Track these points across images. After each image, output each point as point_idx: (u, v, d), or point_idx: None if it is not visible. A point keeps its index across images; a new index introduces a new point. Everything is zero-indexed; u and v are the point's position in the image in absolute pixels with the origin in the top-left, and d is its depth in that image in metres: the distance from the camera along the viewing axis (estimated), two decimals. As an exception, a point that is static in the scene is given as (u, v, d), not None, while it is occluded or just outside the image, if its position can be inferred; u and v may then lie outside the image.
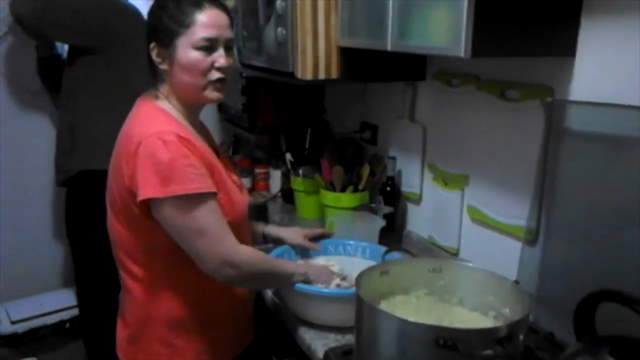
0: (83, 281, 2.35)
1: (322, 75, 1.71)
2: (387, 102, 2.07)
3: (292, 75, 1.74)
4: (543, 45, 1.28)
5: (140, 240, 1.34)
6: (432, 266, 1.26)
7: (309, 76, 1.70)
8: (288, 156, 2.32)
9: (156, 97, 1.38)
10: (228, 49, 1.38)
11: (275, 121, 2.50)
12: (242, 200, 1.47)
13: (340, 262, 1.66)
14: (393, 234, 1.94)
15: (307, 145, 2.36)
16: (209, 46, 1.32)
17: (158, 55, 1.34)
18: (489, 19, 1.18)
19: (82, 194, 2.23)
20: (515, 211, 1.51)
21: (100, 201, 1.48)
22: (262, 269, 1.37)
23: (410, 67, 1.82)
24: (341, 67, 1.72)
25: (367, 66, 1.75)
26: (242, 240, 1.35)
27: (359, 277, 1.16)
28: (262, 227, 1.73)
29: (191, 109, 1.41)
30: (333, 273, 1.53)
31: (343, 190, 2.06)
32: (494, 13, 1.19)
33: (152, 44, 1.35)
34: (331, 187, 2.07)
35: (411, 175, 1.95)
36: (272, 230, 1.73)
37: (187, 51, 1.31)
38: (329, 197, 2.07)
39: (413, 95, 1.91)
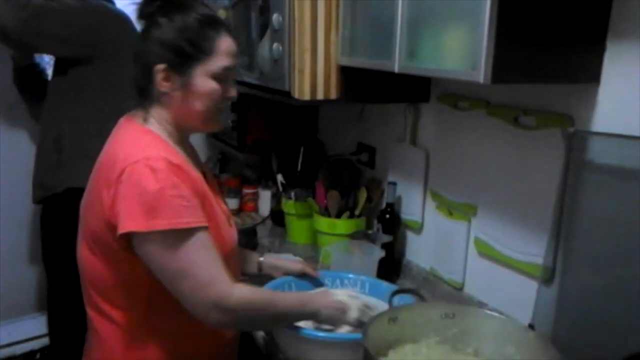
0: (56, 308, 2.18)
1: (320, 96, 1.60)
2: (387, 123, 1.95)
3: (287, 94, 1.62)
4: (566, 70, 1.17)
5: (117, 277, 1.20)
6: (445, 312, 1.14)
7: (306, 96, 1.58)
8: (279, 177, 2.20)
9: (145, 120, 1.24)
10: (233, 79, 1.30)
11: (266, 139, 2.37)
12: (232, 234, 1.34)
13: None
14: (391, 263, 1.82)
15: (299, 166, 2.24)
16: (225, 76, 1.23)
17: (166, 79, 1.19)
18: (511, 41, 1.08)
19: (64, 212, 2.06)
20: (529, 247, 1.41)
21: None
22: (263, 311, 1.22)
23: (413, 88, 1.71)
24: (340, 87, 1.61)
25: (367, 86, 1.64)
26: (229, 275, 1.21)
27: (366, 326, 1.04)
28: (256, 257, 1.59)
29: (182, 133, 1.28)
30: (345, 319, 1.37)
31: (338, 216, 1.94)
32: (516, 35, 1.08)
33: (162, 66, 1.18)
34: (326, 213, 1.95)
35: (412, 202, 1.83)
36: (270, 260, 1.59)
37: (204, 80, 1.20)
38: (324, 223, 1.94)
39: (415, 118, 1.80)
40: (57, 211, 2.10)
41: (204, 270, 1.13)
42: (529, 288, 1.42)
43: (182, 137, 1.28)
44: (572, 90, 1.28)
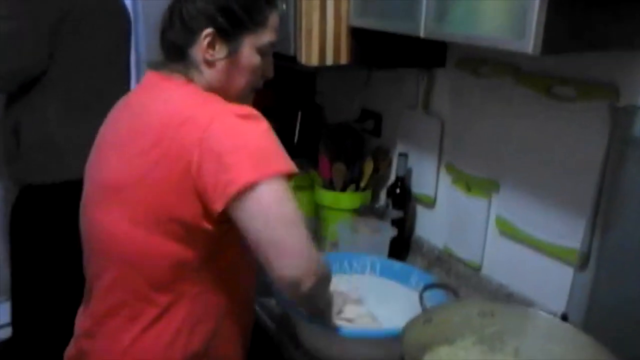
0: (21, 296, 1.90)
1: (329, 61, 1.44)
2: (395, 89, 1.80)
3: (292, 59, 1.46)
4: (625, 36, 1.03)
5: (191, 256, 1.06)
6: (483, 310, 1.03)
7: (314, 61, 1.43)
8: (277, 146, 2.04)
9: (190, 80, 1.11)
10: None
11: (260, 105, 2.20)
12: None
13: (349, 282, 1.42)
14: (401, 241, 1.71)
15: (297, 134, 2.08)
16: (268, 51, 1.16)
17: (211, 45, 1.09)
18: (565, 2, 0.93)
19: (29, 212, 1.81)
20: (561, 229, 1.29)
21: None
22: (328, 281, 1.14)
23: (428, 52, 1.56)
24: (351, 51, 1.45)
25: (378, 50, 1.49)
26: None
27: (403, 330, 0.92)
28: None
29: None
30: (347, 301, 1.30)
31: (343, 189, 1.81)
32: (572, -3, 0.94)
33: (209, 30, 1.08)
34: (330, 186, 1.82)
35: (424, 174, 1.70)
36: None
37: (251, 52, 1.12)
38: (328, 197, 1.81)
39: (429, 84, 1.66)
40: (24, 209, 1.84)
41: (301, 223, 1.03)
42: (558, 273, 1.32)
43: None
44: (618, 58, 1.15)
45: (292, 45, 1.44)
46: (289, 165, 1.04)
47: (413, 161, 1.72)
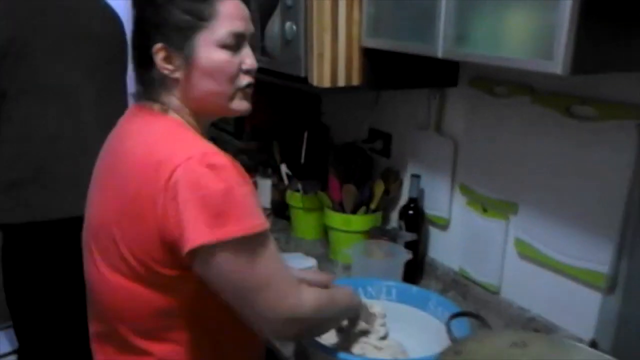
0: (23, 320, 1.79)
1: (341, 83, 1.41)
2: (405, 108, 1.77)
3: (302, 80, 1.42)
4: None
5: (165, 303, 1.01)
6: (514, 340, 0.98)
7: (326, 83, 1.39)
8: (284, 168, 2.01)
9: (164, 111, 1.05)
10: (252, 47, 1.09)
11: (266, 125, 2.18)
12: None
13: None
14: (415, 263, 1.66)
15: (303, 154, 2.05)
16: (236, 43, 1.04)
17: (166, 59, 1.01)
18: (598, 20, 0.90)
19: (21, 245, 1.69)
20: (586, 252, 1.25)
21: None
22: (327, 312, 1.09)
23: (440, 71, 1.53)
24: (363, 72, 1.42)
25: (390, 71, 1.46)
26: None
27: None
28: None
29: (201, 123, 1.09)
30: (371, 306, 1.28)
31: (354, 211, 1.77)
32: (605, 11, 0.90)
33: (158, 45, 1.01)
34: (339, 208, 1.78)
35: (437, 196, 1.66)
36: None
37: (210, 51, 1.01)
38: (338, 220, 1.77)
39: (441, 103, 1.62)
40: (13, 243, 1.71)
41: (281, 277, 0.98)
42: (583, 297, 1.28)
43: (199, 125, 1.08)
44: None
45: (303, 66, 1.40)
46: (255, 225, 0.93)
47: (425, 182, 1.68)
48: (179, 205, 0.91)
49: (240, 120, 2.13)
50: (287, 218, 2.07)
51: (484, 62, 1.09)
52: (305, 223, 1.98)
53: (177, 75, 1.02)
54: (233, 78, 1.04)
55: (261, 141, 2.20)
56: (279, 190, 2.12)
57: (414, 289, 1.42)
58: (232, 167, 0.94)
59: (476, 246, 1.55)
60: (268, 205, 2.20)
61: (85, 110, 1.67)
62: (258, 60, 1.57)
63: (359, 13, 1.36)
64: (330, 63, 1.38)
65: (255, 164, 2.34)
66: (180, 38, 1.00)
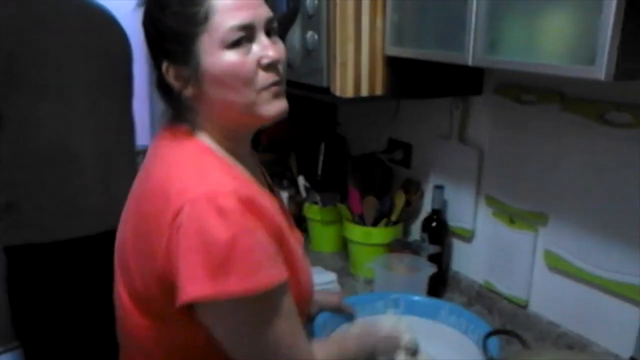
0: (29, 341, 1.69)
1: (364, 92, 1.38)
2: (426, 117, 1.74)
3: (325, 91, 1.39)
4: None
5: (168, 342, 0.94)
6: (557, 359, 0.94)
7: (349, 93, 1.36)
8: (301, 180, 1.98)
9: (193, 131, 0.94)
10: (271, 33, 0.93)
11: (282, 137, 2.14)
12: (309, 275, 1.05)
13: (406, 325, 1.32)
14: (437, 276, 1.62)
15: (320, 165, 2.01)
16: (246, 37, 0.88)
17: (177, 77, 0.91)
18: None
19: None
20: (621, 264, 1.21)
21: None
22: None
23: (463, 78, 1.50)
24: (387, 82, 1.39)
25: (413, 80, 1.42)
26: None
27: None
28: None
29: (239, 140, 0.98)
30: (399, 346, 1.20)
31: (375, 224, 1.73)
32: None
33: (165, 65, 0.91)
34: (360, 220, 1.74)
35: (461, 207, 1.62)
36: None
37: (216, 55, 0.88)
38: (358, 232, 1.73)
39: (464, 112, 1.59)
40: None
41: (291, 336, 0.89)
42: (619, 311, 1.24)
43: (238, 147, 0.97)
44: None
45: (325, 76, 1.37)
46: (261, 285, 0.82)
47: (449, 193, 1.64)
48: (179, 248, 0.82)
49: (256, 132, 2.10)
50: (305, 231, 2.03)
51: (517, 70, 1.06)
52: (323, 236, 1.94)
53: (193, 91, 0.91)
54: (250, 80, 0.89)
55: (278, 153, 2.17)
56: (296, 203, 2.09)
57: (439, 303, 1.38)
58: (241, 212, 0.82)
59: (503, 258, 1.51)
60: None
61: (81, 132, 1.56)
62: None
63: (382, 21, 1.33)
64: (354, 73, 1.34)
65: (271, 175, 2.31)
66: (181, 51, 0.89)
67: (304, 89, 1.47)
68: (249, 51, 0.89)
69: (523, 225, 1.44)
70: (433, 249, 1.61)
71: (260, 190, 0.96)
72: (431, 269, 1.50)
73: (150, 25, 0.92)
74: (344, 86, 1.35)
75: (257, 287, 0.82)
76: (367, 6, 1.32)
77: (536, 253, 1.42)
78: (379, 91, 1.39)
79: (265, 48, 0.89)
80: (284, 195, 2.19)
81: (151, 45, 0.94)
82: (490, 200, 1.54)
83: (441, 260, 1.62)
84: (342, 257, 1.89)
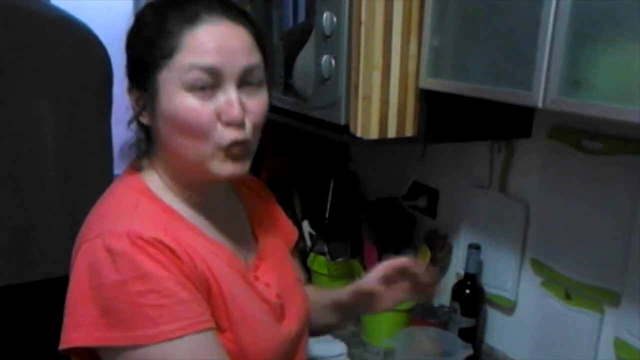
0: None
1: (392, 133, 1.11)
2: (458, 159, 1.46)
3: (343, 130, 1.12)
4: None
5: None
6: None
7: (373, 134, 1.09)
8: (306, 226, 1.70)
9: (139, 165, 0.89)
10: (249, 84, 0.83)
11: (284, 173, 1.87)
12: (265, 342, 0.89)
13: None
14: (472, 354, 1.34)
15: (328, 208, 1.73)
16: (210, 84, 0.79)
17: (137, 101, 0.85)
18: None
19: None
20: None
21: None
22: None
23: (509, 118, 1.23)
24: (418, 121, 1.12)
25: (451, 119, 1.16)
26: None
27: None
28: (327, 297, 1.12)
29: (195, 189, 0.88)
30: None
31: (394, 285, 1.45)
32: None
33: (129, 85, 0.86)
34: (376, 280, 1.46)
35: (500, 271, 1.34)
36: (341, 295, 1.09)
37: (173, 94, 0.80)
38: (374, 295, 1.45)
39: (508, 157, 1.31)
40: None
41: None
42: None
43: (192, 191, 0.88)
44: None
45: (344, 112, 1.10)
46: (150, 336, 0.74)
47: (485, 253, 1.36)
48: (70, 290, 0.79)
49: (254, 167, 1.82)
50: (309, 282, 1.75)
51: (609, 118, 0.78)
52: (330, 292, 1.65)
53: (146, 120, 0.85)
54: (205, 133, 0.80)
55: (279, 192, 1.89)
56: (298, 250, 1.80)
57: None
58: (131, 255, 0.75)
59: (554, 340, 1.22)
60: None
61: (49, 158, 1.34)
62: (280, 101, 1.30)
63: (417, 45, 1.06)
64: (380, 109, 1.07)
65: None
66: (142, 77, 0.82)
67: (315, 125, 1.20)
68: (210, 100, 0.80)
69: (584, 302, 1.16)
70: (466, 322, 1.32)
71: (202, 233, 0.87)
72: (466, 351, 1.21)
73: (127, 44, 0.86)
74: (366, 125, 1.08)
75: (144, 338, 0.75)
76: (399, 26, 1.05)
77: (602, 340, 1.14)
78: (409, 132, 1.12)
79: (228, 104, 0.80)
80: (285, 239, 1.91)
81: (127, 64, 0.87)
82: (539, 267, 1.25)
83: (475, 335, 1.34)
84: (357, 324, 1.61)
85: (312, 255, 1.66)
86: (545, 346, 1.25)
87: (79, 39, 1.39)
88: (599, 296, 1.13)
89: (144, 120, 0.85)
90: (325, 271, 1.63)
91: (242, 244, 0.95)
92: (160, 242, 0.77)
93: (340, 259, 1.57)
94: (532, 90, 0.84)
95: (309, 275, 1.72)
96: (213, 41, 0.79)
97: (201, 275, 0.81)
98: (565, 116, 1.17)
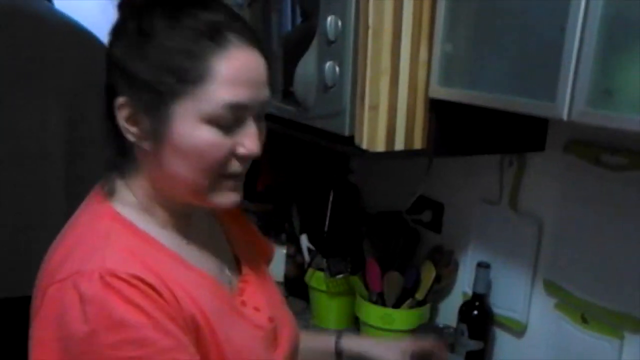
0: None
1: (399, 146, 1.04)
2: (465, 173, 1.39)
3: (347, 141, 1.05)
4: None
5: None
6: None
7: (380, 147, 1.02)
8: (304, 240, 1.62)
9: (110, 190, 0.78)
10: (260, 116, 0.77)
11: (282, 184, 1.79)
12: None
13: None
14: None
15: (327, 220, 1.66)
16: (234, 119, 0.72)
17: (131, 120, 0.73)
18: None
19: None
20: None
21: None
22: None
23: (522, 130, 1.16)
24: (428, 132, 1.05)
25: (462, 131, 1.09)
26: None
27: None
28: (332, 340, 1.06)
29: (174, 214, 0.80)
30: None
31: (397, 305, 1.37)
32: None
33: (122, 99, 0.73)
34: (378, 299, 1.39)
35: (510, 291, 1.27)
36: (353, 343, 1.06)
37: (191, 126, 0.71)
38: (375, 315, 1.38)
39: (519, 171, 1.24)
40: None
41: None
42: None
43: (180, 210, 0.80)
44: None
45: (348, 122, 1.03)
46: None
47: (493, 272, 1.29)
48: (32, 339, 0.69)
49: (252, 179, 1.75)
50: (306, 298, 1.67)
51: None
52: (329, 310, 1.58)
53: (141, 144, 0.74)
54: (219, 165, 0.74)
55: (276, 204, 1.82)
56: (296, 264, 1.73)
57: None
58: (104, 301, 0.66)
59: (568, 365, 1.15)
60: (281, 279, 1.81)
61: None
62: (278, 109, 1.22)
63: (427, 52, 1.00)
64: (387, 119, 1.00)
65: (264, 226, 1.95)
66: (153, 100, 0.71)
67: (316, 135, 1.13)
68: (229, 134, 0.73)
69: (602, 328, 1.08)
70: (474, 344, 1.25)
71: (183, 264, 0.78)
72: (475, 378, 1.14)
73: (124, 49, 0.73)
74: (373, 136, 1.01)
75: None
76: (408, 30, 0.98)
77: (620, 367, 1.07)
78: (417, 144, 1.05)
79: (250, 138, 0.74)
80: (281, 252, 1.83)
81: (112, 66, 0.75)
82: (552, 288, 1.18)
83: (483, 359, 1.27)
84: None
85: (310, 270, 1.58)
86: (558, 372, 1.18)
87: (84, 42, 1.31)
88: (618, 321, 1.06)
89: (138, 141, 0.74)
90: (324, 288, 1.55)
91: (224, 266, 0.87)
92: (139, 278, 0.68)
93: (340, 275, 1.49)
94: (555, 100, 0.78)
95: (306, 292, 1.65)
96: (244, 73, 0.72)
97: (187, 315, 0.72)
98: (583, 129, 1.10)
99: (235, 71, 0.70)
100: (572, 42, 0.74)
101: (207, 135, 0.71)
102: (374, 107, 0.99)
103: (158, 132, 0.72)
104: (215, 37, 0.70)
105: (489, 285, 1.29)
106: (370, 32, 0.96)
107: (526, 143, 1.18)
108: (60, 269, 0.69)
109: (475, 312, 1.26)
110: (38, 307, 0.70)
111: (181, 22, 0.70)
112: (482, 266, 1.25)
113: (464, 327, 1.26)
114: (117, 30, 0.75)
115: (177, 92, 0.70)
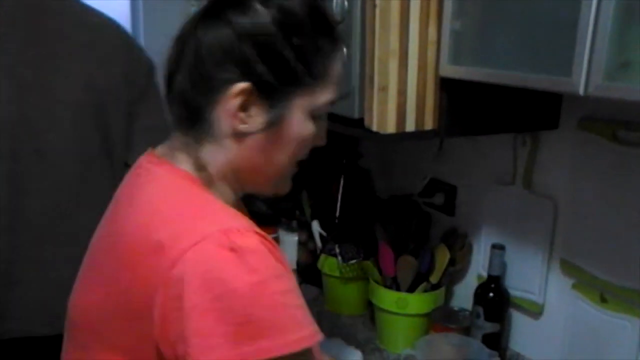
0: None
1: (410, 127, 1.02)
2: (478, 154, 1.37)
3: (357, 124, 1.03)
4: None
5: None
6: None
7: (390, 128, 1.00)
8: (316, 226, 1.61)
9: (198, 168, 0.75)
10: None
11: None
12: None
13: None
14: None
15: (338, 207, 1.64)
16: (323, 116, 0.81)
17: (244, 107, 0.72)
18: None
19: None
20: None
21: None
22: None
23: (535, 107, 1.13)
24: (439, 113, 1.03)
25: (473, 110, 1.06)
26: None
27: None
28: None
29: (238, 192, 0.81)
30: None
31: (411, 289, 1.36)
32: None
33: (243, 86, 0.70)
34: (392, 284, 1.37)
35: (526, 273, 1.25)
36: None
37: (303, 120, 0.75)
38: (390, 299, 1.36)
39: (533, 150, 1.22)
40: None
41: None
42: None
43: (237, 198, 0.81)
44: None
45: (357, 105, 1.01)
46: (300, 339, 0.65)
47: (508, 253, 1.27)
48: (183, 309, 0.63)
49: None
50: (319, 284, 1.67)
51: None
52: (343, 295, 1.57)
53: (248, 132, 0.73)
54: (303, 152, 0.79)
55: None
56: (308, 250, 1.72)
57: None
58: (265, 252, 0.66)
59: (587, 346, 1.14)
60: (294, 266, 1.80)
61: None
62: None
63: (436, 30, 0.98)
64: (397, 100, 0.98)
65: (275, 213, 1.94)
66: (279, 91, 0.72)
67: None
68: (316, 125, 0.78)
69: (620, 306, 1.07)
70: (490, 327, 1.24)
71: None
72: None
73: (249, 39, 0.71)
74: (383, 118, 0.99)
75: (295, 343, 0.65)
76: (416, 9, 0.96)
77: (640, 346, 1.05)
78: (428, 125, 1.03)
79: (324, 131, 0.81)
80: (293, 239, 1.83)
81: (227, 59, 0.71)
82: (569, 268, 1.16)
83: (499, 341, 1.25)
84: (366, 322, 1.52)
85: (322, 257, 1.58)
86: (576, 353, 1.16)
87: (120, 36, 1.26)
88: (637, 299, 1.04)
89: (242, 126, 0.73)
90: (337, 273, 1.54)
91: None
92: (272, 241, 0.70)
93: (354, 261, 1.48)
94: (571, 75, 0.76)
95: (320, 278, 1.64)
96: (341, 74, 0.78)
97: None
98: (597, 105, 1.08)
99: (340, 71, 0.76)
100: (588, 14, 0.72)
101: (311, 128, 0.76)
102: (384, 88, 0.97)
103: (274, 120, 0.73)
104: (334, 37, 0.75)
105: (504, 267, 1.27)
106: (377, 11, 0.94)
107: (539, 121, 1.16)
108: (182, 235, 0.66)
109: (491, 294, 1.25)
110: (167, 278, 0.65)
111: (317, 19, 0.73)
112: (497, 248, 1.23)
113: (479, 309, 1.25)
114: (243, 14, 0.71)
115: (303, 83, 0.73)
